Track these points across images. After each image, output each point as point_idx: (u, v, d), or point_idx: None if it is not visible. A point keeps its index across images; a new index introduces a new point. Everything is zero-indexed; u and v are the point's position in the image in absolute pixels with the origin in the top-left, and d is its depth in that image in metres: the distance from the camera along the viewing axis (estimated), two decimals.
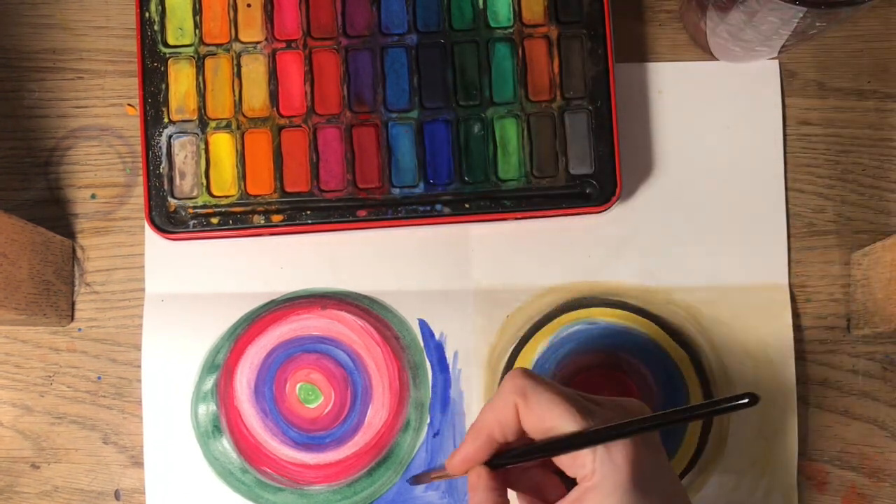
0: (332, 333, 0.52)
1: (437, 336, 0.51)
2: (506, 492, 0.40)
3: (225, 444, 0.51)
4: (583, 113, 0.51)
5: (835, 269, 0.52)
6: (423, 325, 0.52)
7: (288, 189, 0.51)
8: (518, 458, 0.39)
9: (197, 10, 0.51)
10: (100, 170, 0.53)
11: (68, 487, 0.52)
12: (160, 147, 0.51)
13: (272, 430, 0.51)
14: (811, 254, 0.52)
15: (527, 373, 0.39)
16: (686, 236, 0.52)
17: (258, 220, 0.50)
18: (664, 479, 0.38)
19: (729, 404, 0.33)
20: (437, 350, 0.51)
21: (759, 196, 0.52)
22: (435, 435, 0.51)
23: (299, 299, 0.52)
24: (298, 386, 0.52)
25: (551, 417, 0.37)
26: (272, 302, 0.52)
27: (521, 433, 0.39)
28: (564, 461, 0.38)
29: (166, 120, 0.51)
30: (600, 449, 0.36)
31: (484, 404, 0.41)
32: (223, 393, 0.51)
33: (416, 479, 0.49)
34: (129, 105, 0.54)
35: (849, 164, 0.53)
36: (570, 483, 0.38)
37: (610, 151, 0.50)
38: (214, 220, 0.50)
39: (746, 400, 0.32)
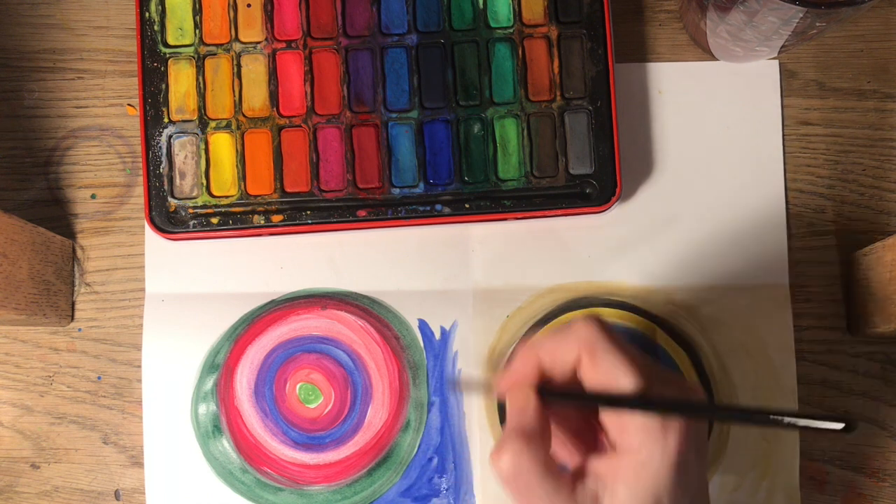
0: (332, 333, 0.52)
1: (437, 336, 0.51)
2: (548, 421, 0.38)
3: (225, 444, 0.51)
4: (583, 113, 0.51)
5: (835, 269, 0.52)
6: (423, 325, 0.52)
7: (288, 189, 0.51)
8: (569, 399, 0.38)
9: (197, 10, 0.51)
10: (100, 170, 0.53)
11: (68, 487, 0.52)
12: (160, 147, 0.51)
13: (272, 430, 0.51)
14: (811, 254, 0.52)
15: (601, 326, 0.37)
16: (686, 236, 0.52)
17: (258, 220, 0.50)
18: (700, 476, 0.37)
19: (817, 424, 0.31)
20: (437, 350, 0.51)
21: (759, 196, 0.52)
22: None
23: (299, 299, 0.52)
24: (298, 386, 0.52)
25: (616, 383, 0.36)
26: (272, 302, 0.52)
27: (573, 376, 0.38)
28: (612, 423, 0.36)
29: (166, 120, 0.51)
30: (656, 427, 0.35)
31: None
32: (223, 393, 0.51)
33: (458, 385, 0.49)
34: (129, 105, 0.54)
35: (849, 164, 0.53)
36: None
37: (610, 151, 0.50)
38: (214, 220, 0.50)
39: (839, 426, 0.30)
